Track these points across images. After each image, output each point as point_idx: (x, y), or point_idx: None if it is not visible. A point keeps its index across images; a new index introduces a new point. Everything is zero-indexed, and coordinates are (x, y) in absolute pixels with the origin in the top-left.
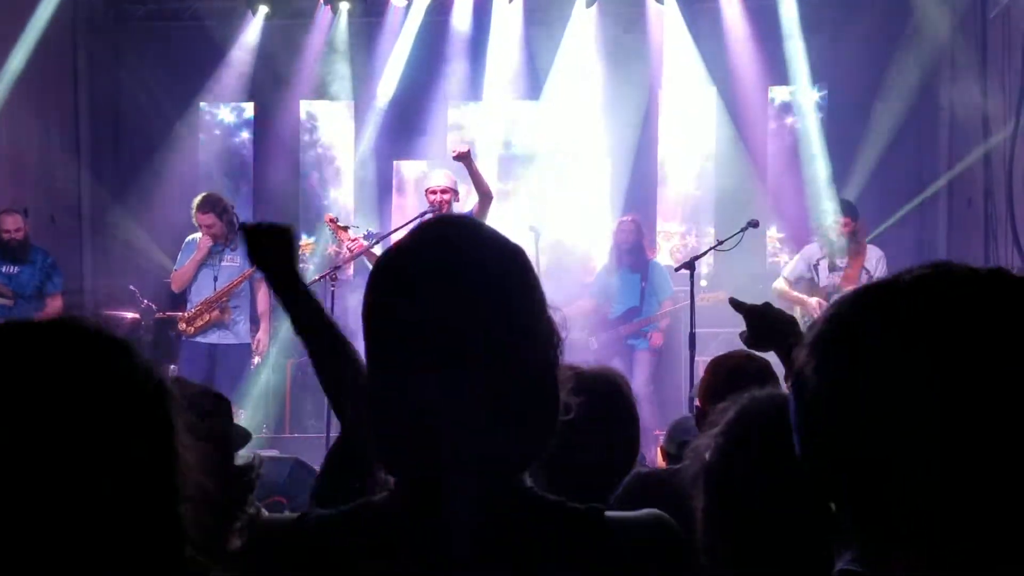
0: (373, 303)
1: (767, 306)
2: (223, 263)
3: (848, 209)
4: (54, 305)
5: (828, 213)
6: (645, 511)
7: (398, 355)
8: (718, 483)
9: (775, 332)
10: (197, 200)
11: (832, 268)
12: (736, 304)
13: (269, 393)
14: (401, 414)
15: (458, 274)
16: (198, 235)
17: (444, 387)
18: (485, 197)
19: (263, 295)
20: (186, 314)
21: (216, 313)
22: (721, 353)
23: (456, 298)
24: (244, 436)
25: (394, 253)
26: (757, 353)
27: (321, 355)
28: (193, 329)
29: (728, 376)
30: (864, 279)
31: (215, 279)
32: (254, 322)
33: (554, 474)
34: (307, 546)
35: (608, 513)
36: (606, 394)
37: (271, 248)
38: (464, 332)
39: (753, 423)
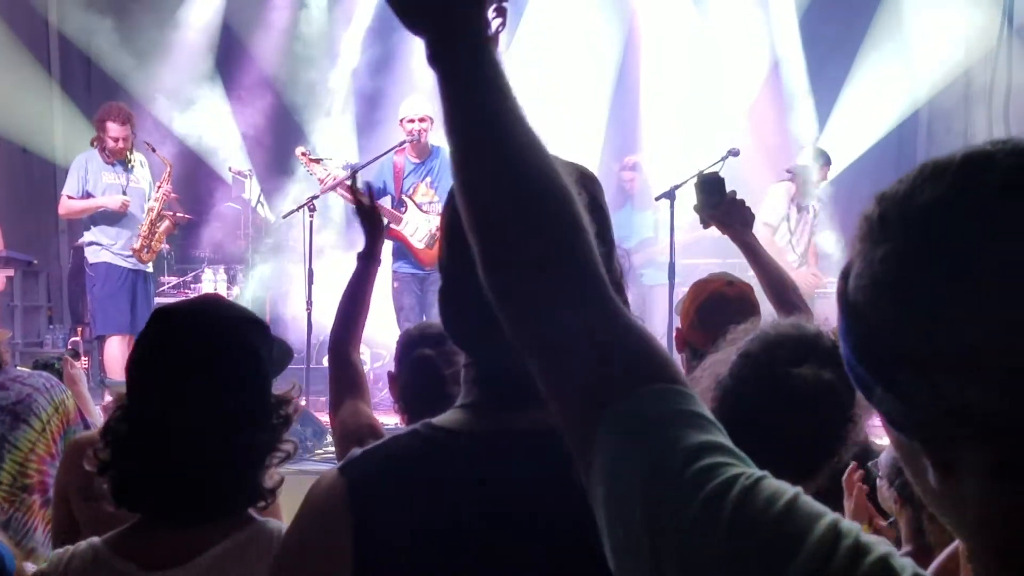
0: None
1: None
2: (131, 184)
3: (824, 157)
4: None
5: (809, 152)
6: None
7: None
8: (729, 399)
9: (732, 211)
10: (111, 109)
11: (800, 209)
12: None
13: None
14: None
15: None
16: (92, 153)
17: None
18: None
19: None
20: (135, 246)
21: (168, 225)
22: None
23: None
24: (285, 354)
25: None
26: (736, 278)
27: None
28: (153, 254)
29: (708, 300)
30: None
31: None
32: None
33: None
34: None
35: None
36: None
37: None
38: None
39: (777, 348)
